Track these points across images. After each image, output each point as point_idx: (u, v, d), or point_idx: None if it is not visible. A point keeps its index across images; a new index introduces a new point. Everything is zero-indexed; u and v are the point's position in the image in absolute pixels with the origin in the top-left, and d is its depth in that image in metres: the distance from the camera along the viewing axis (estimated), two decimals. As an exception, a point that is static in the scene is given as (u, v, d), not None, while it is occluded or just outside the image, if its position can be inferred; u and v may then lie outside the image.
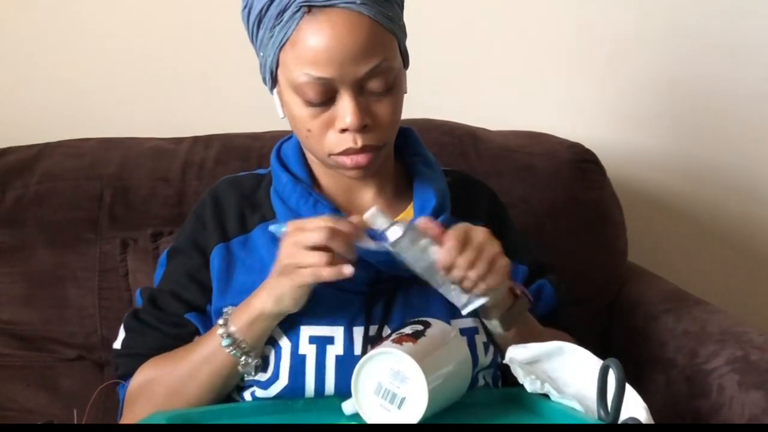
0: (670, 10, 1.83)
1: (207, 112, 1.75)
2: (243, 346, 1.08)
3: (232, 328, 1.07)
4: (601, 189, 1.63)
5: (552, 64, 1.82)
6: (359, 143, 1.09)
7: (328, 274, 1.01)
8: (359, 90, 1.08)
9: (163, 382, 1.11)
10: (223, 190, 1.22)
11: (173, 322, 1.16)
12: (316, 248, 1.02)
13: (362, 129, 1.09)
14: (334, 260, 1.02)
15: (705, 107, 1.86)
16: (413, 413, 0.97)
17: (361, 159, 1.10)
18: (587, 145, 1.66)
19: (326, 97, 1.08)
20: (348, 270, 1.01)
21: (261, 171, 1.26)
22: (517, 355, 1.08)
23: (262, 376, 1.11)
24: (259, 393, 1.11)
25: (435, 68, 1.70)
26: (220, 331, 1.08)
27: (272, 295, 1.05)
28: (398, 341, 1.00)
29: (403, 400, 0.97)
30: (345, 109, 1.08)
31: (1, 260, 1.47)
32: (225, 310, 1.10)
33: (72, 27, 1.72)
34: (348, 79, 1.06)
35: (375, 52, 1.07)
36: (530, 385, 1.06)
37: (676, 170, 1.87)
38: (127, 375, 1.16)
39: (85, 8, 1.72)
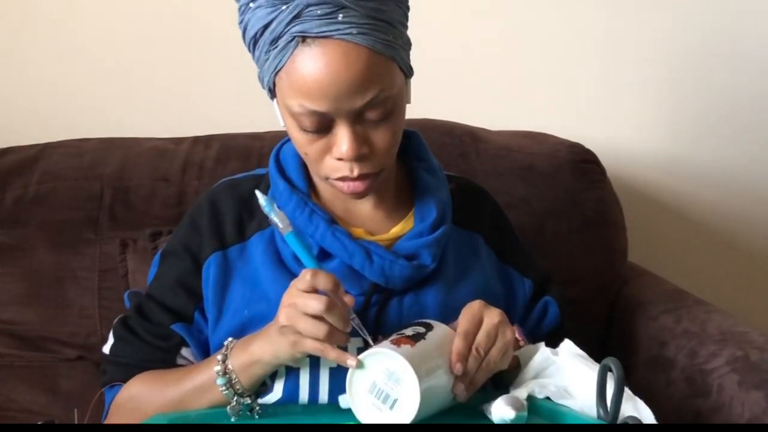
0: (670, 11, 1.83)
1: (207, 112, 1.75)
2: (237, 387, 1.05)
3: (230, 366, 1.05)
4: (601, 189, 1.63)
5: (552, 65, 1.82)
6: (356, 172, 1.06)
7: (334, 357, 0.99)
8: (356, 119, 1.04)
9: (152, 403, 1.10)
10: (222, 195, 1.20)
11: (159, 334, 1.15)
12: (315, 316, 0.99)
13: (359, 158, 1.06)
14: (332, 331, 0.99)
15: (705, 107, 1.86)
16: (404, 415, 0.96)
17: (358, 186, 1.08)
18: (587, 145, 1.66)
19: (322, 126, 1.05)
20: (352, 362, 0.98)
21: (260, 171, 1.25)
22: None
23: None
24: None
25: (435, 68, 1.70)
26: (217, 368, 1.05)
27: (271, 348, 1.03)
28: (397, 342, 0.99)
29: (395, 401, 0.96)
30: (341, 139, 1.04)
31: (1, 260, 1.47)
32: (226, 343, 1.08)
33: (72, 27, 1.72)
34: (344, 112, 1.03)
35: (372, 84, 1.02)
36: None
37: (676, 170, 1.87)
38: (113, 381, 1.16)
39: (86, 8, 1.72)
